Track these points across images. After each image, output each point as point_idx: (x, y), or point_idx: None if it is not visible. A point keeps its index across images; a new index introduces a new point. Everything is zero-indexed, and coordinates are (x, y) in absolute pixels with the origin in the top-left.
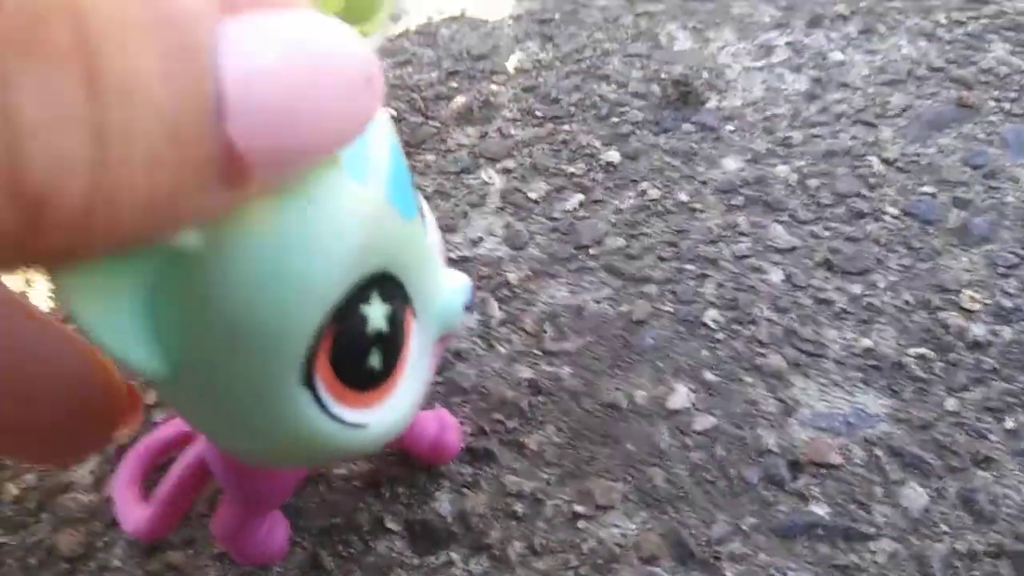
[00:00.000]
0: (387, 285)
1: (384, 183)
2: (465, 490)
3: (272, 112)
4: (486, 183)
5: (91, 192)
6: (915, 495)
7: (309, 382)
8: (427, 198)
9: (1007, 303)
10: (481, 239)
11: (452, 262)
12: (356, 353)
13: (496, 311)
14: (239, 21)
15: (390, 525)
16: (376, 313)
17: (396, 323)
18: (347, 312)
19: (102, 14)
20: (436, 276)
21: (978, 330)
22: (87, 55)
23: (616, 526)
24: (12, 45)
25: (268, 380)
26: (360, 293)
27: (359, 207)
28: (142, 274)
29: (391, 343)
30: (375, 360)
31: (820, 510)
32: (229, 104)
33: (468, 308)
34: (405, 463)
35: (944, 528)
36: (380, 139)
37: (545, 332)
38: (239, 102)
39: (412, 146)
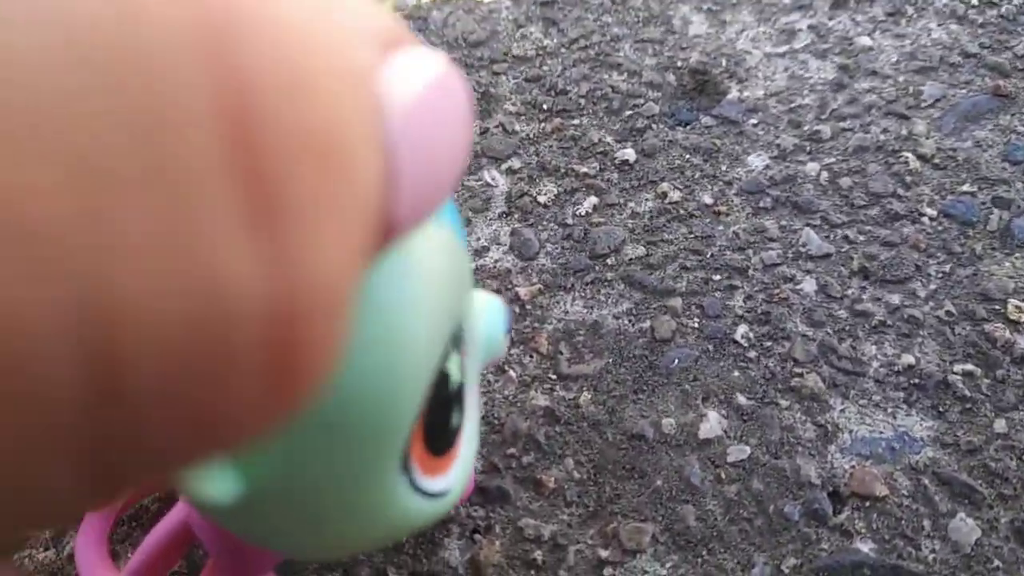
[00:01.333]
0: (457, 331)
1: (445, 208)
2: (477, 536)
3: (430, 182)
4: (489, 185)
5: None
6: (966, 528)
7: (406, 466)
8: None
9: None
10: (486, 248)
11: None
12: (443, 417)
13: None
14: (396, 65)
15: None
16: (455, 366)
17: (463, 370)
18: (437, 378)
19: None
20: (474, 302)
21: None
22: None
23: (646, 572)
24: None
25: (366, 479)
26: (445, 352)
27: (444, 252)
28: None
29: (463, 393)
30: (456, 418)
31: (865, 547)
32: (401, 175)
33: (508, 332)
34: None
35: (997, 563)
36: None
37: (561, 353)
38: (410, 174)
39: None
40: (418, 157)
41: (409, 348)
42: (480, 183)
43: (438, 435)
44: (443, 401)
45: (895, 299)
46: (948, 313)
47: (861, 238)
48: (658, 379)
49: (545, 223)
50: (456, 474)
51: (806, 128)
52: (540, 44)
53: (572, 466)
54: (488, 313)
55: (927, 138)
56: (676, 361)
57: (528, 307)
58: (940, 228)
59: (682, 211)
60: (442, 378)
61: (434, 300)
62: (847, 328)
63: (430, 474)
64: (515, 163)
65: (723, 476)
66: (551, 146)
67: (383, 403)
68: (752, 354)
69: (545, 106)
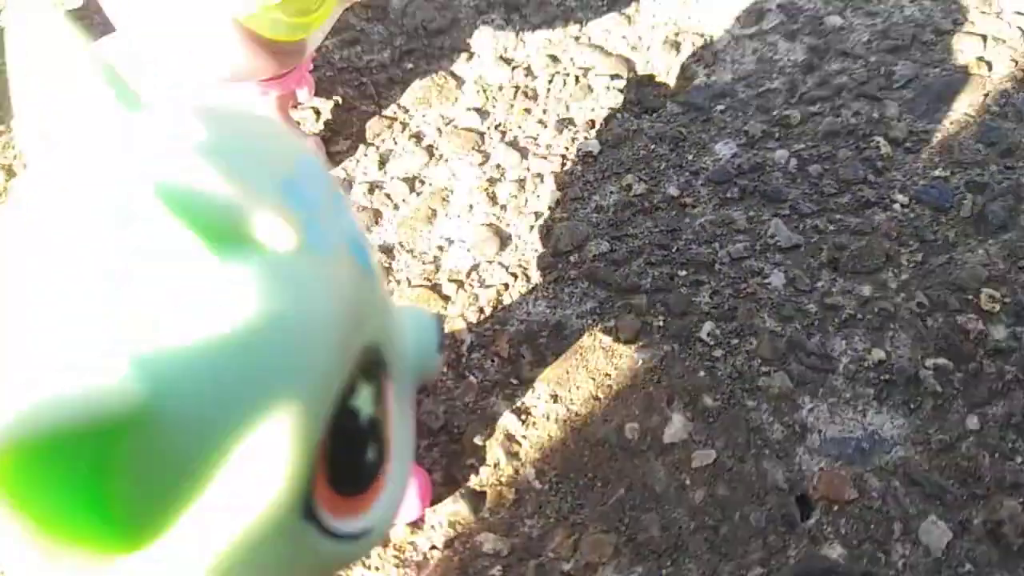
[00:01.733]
0: (369, 360)
1: (342, 234)
2: (435, 552)
3: None
4: (452, 178)
5: None
6: (937, 531)
7: (311, 513)
8: (386, 197)
9: None
10: (450, 242)
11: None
12: (353, 456)
13: (466, 334)
14: None
15: None
16: (365, 400)
17: (381, 399)
18: (338, 416)
19: None
20: (396, 318)
21: (998, 334)
22: None
23: None
24: None
25: (266, 532)
26: (348, 387)
27: (336, 287)
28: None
29: (381, 425)
30: (371, 453)
31: (834, 553)
32: None
33: (441, 347)
34: None
35: (969, 567)
36: (316, 179)
37: (522, 357)
38: None
39: (367, 143)
40: None
41: (283, 406)
42: (442, 177)
43: (350, 475)
44: (353, 439)
45: (866, 291)
46: (920, 304)
47: (831, 227)
48: (622, 382)
49: (507, 219)
50: (383, 508)
51: (775, 113)
52: (502, 32)
53: (533, 476)
54: (417, 330)
55: (899, 120)
56: (640, 362)
57: (489, 308)
58: (912, 215)
59: (647, 204)
60: (348, 417)
61: (315, 350)
62: (816, 323)
63: (345, 515)
64: (477, 157)
65: (688, 482)
66: (514, 139)
67: (262, 463)
68: (718, 352)
69: (508, 96)
